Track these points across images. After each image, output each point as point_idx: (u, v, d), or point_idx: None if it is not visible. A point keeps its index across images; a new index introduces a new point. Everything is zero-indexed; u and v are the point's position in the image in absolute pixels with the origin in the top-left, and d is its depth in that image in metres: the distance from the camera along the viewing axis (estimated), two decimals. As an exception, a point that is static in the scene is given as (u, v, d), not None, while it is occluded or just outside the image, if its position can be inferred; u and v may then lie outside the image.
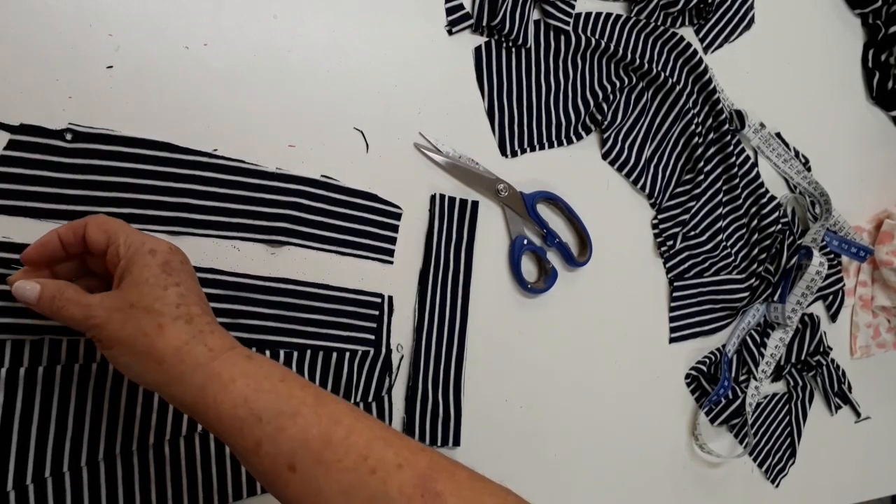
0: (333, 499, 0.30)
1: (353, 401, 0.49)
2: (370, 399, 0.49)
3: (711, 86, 0.67)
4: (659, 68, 0.64)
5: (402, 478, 0.31)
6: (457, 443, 0.52)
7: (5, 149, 0.38)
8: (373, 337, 0.50)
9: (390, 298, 0.51)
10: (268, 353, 0.45)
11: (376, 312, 0.50)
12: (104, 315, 0.32)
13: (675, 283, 0.65)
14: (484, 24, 0.55)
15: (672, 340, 0.66)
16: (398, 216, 0.51)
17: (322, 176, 0.48)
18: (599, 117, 0.61)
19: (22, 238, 0.38)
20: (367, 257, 0.50)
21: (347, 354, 0.48)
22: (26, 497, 0.38)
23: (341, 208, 0.48)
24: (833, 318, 0.79)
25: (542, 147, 0.59)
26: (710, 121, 0.67)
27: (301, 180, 0.47)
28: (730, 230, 0.70)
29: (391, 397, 0.50)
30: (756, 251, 0.70)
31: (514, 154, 0.57)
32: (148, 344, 0.31)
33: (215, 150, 0.44)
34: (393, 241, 0.51)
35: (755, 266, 0.70)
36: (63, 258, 0.36)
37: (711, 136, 0.67)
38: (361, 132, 0.50)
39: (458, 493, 0.31)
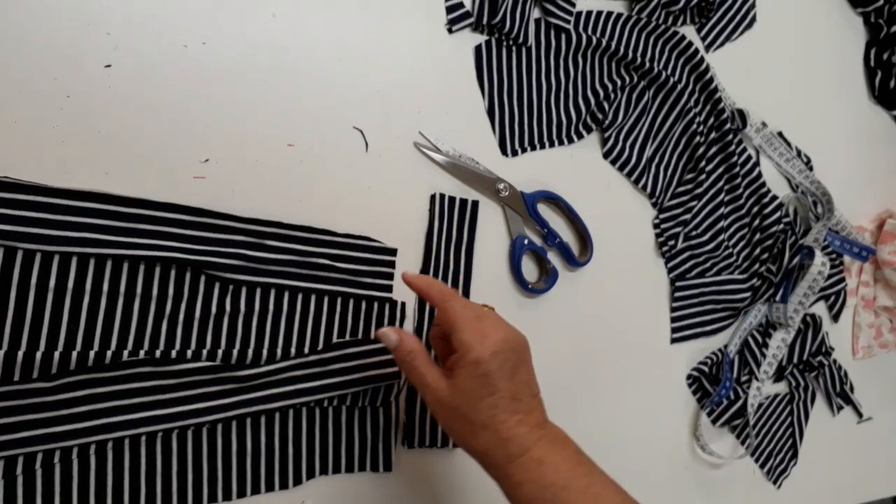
0: None
1: (359, 405, 0.48)
2: (378, 404, 0.49)
3: (713, 85, 0.67)
4: (660, 67, 0.64)
5: None
6: (457, 444, 0.52)
7: None
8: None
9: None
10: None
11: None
12: (433, 402, 0.40)
13: (677, 283, 0.65)
14: (484, 22, 0.55)
15: (673, 341, 0.66)
16: (392, 259, 0.51)
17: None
18: (600, 116, 0.60)
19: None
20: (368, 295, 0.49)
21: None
22: (34, 481, 0.38)
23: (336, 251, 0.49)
24: (835, 318, 0.79)
25: (542, 146, 0.58)
26: (711, 120, 0.67)
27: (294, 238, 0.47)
28: (731, 230, 0.69)
29: (399, 402, 0.50)
30: (758, 251, 0.70)
31: (514, 153, 0.57)
32: (462, 442, 0.40)
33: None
34: (390, 276, 0.51)
35: (757, 266, 0.69)
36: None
37: (713, 135, 0.67)
38: (361, 132, 0.50)
39: None
